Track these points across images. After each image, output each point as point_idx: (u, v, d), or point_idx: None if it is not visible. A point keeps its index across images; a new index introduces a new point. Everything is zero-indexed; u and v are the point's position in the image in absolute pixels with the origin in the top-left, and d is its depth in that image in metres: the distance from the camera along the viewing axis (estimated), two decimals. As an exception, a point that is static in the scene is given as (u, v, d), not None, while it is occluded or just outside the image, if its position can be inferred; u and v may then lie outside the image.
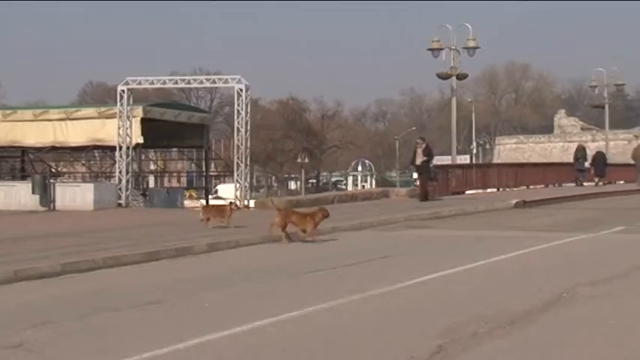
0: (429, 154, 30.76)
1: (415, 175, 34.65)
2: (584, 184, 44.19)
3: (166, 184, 59.31)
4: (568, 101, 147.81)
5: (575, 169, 45.06)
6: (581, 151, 46.03)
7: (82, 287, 12.82)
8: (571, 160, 46.28)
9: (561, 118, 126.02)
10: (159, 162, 54.94)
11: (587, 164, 45.34)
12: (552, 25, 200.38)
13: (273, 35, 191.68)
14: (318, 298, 11.10)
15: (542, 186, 43.17)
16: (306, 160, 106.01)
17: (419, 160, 30.46)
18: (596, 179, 44.72)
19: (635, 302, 10.76)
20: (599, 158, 46.44)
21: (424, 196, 30.34)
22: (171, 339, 8.77)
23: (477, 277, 13.39)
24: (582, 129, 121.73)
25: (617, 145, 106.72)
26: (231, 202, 21.86)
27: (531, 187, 41.99)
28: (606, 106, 59.60)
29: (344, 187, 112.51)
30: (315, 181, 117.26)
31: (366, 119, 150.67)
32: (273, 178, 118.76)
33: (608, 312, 10.14)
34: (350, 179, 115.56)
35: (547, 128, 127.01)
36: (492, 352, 8.30)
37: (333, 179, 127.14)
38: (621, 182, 48.26)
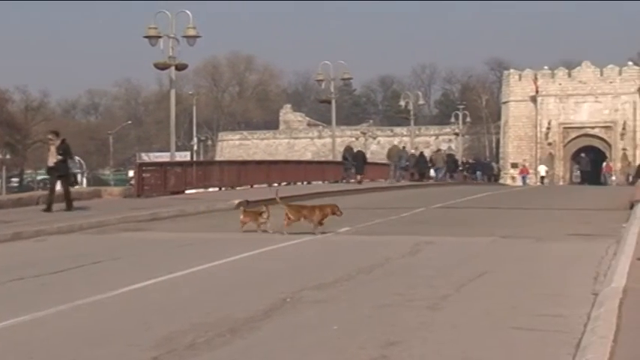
0: (65, 151, 26.73)
1: (131, 174, 33.80)
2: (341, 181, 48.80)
3: None
4: (294, 96, 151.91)
5: (344, 167, 50.36)
6: (348, 151, 51.28)
7: None
8: (297, 158, 48.61)
9: (287, 114, 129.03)
10: None
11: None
12: (277, 15, 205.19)
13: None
14: (17, 309, 10.79)
15: (266, 185, 44.02)
16: (8, 157, 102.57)
17: (52, 160, 26.59)
18: (358, 177, 48.84)
19: (358, 306, 11.20)
20: (359, 156, 51.00)
21: (49, 206, 25.81)
22: None
23: (197, 282, 13.48)
24: (309, 125, 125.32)
25: (344, 142, 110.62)
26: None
27: (256, 185, 42.70)
28: (333, 101, 61.35)
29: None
30: (18, 179, 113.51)
31: (76, 112, 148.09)
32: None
33: (332, 316, 10.50)
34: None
35: (272, 124, 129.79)
36: (211, 362, 8.40)
37: (40, 178, 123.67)
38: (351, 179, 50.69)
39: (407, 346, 9.04)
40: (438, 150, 69.53)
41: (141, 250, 17.99)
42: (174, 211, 27.26)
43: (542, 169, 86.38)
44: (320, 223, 20.03)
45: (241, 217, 20.95)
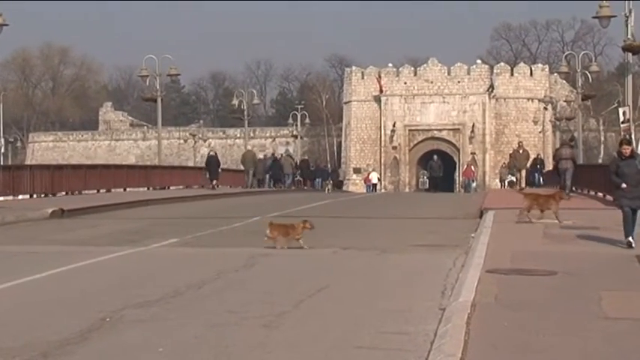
0: None
1: None
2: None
3: None
4: (115, 93, 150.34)
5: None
6: (214, 157, 54.15)
7: None
8: (119, 162, 48.05)
9: (107, 113, 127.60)
10: None
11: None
12: (96, 4, 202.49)
13: None
14: None
15: (95, 191, 43.41)
16: None
17: None
18: (213, 182, 51.01)
19: (187, 326, 11.13)
20: (212, 161, 52.87)
21: None
22: None
23: (4, 301, 13.17)
24: (132, 125, 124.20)
25: (171, 145, 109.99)
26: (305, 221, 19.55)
27: (73, 192, 42.01)
28: (159, 100, 60.74)
29: None
30: None
31: None
32: None
33: (157, 338, 10.42)
34: None
35: (91, 124, 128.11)
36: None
37: None
38: (177, 187, 50.54)
39: (240, 368, 9.06)
40: (288, 155, 70.08)
41: (-61, 266, 17.46)
42: (-22, 221, 26.60)
43: (375, 176, 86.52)
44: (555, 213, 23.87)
45: (268, 232, 19.43)
